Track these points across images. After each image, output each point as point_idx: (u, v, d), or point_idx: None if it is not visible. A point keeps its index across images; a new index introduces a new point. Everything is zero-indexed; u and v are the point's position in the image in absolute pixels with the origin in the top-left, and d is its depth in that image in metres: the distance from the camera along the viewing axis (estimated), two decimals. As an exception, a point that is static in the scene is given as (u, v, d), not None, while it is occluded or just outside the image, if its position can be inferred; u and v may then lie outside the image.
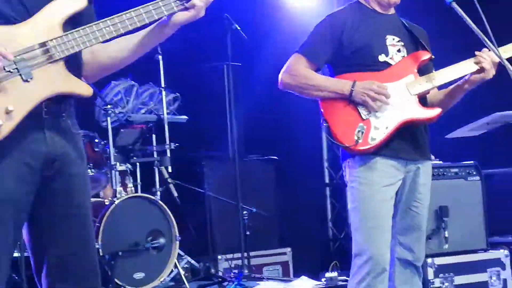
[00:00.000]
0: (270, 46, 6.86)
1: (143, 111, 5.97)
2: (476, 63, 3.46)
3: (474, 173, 5.26)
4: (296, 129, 7.48)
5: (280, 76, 3.59)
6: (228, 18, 5.62)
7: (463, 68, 3.52)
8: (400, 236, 3.57)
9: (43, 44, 2.34)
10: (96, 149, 5.25)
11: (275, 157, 6.77)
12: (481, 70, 3.45)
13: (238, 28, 5.70)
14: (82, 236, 2.49)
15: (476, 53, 3.46)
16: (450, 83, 3.60)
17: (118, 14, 2.44)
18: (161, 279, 5.04)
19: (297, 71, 3.55)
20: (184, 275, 5.20)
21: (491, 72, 3.44)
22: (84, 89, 2.43)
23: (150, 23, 2.51)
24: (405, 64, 3.57)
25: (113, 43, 2.55)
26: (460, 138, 5.10)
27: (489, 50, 3.35)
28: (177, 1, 2.48)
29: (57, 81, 2.37)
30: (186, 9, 2.49)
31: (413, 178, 3.53)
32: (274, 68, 6.46)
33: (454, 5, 3.40)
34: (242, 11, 5.91)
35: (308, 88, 3.55)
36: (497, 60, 3.36)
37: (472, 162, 5.28)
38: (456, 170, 5.19)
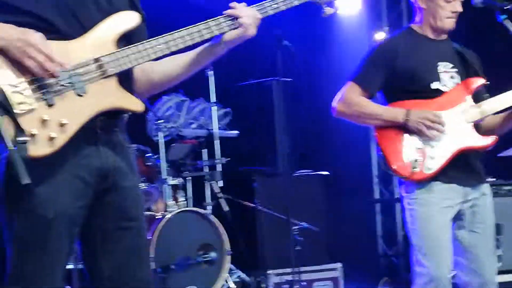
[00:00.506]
0: (319, 61, 6.87)
1: (194, 125, 6.00)
2: None
3: (533, 190, 5.24)
4: (346, 144, 7.48)
5: (335, 104, 3.59)
6: (278, 34, 5.61)
7: None
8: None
9: (97, 60, 2.35)
10: (148, 163, 5.29)
11: (326, 172, 6.74)
12: None
13: (289, 44, 5.69)
14: (135, 248, 2.49)
15: None
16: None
17: (170, 33, 2.46)
18: (212, 294, 5.04)
19: (352, 100, 3.54)
20: (236, 290, 5.18)
21: None
22: (136, 104, 2.44)
23: (202, 42, 2.52)
24: (459, 91, 3.56)
25: (164, 61, 2.57)
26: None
27: None
28: (228, 21, 2.51)
29: (110, 96, 2.38)
30: (236, 28, 2.51)
31: (472, 205, 3.53)
32: (322, 83, 6.51)
33: (508, 23, 3.38)
34: (291, 25, 5.90)
35: (362, 117, 3.55)
36: None
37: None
38: (509, 187, 5.20)
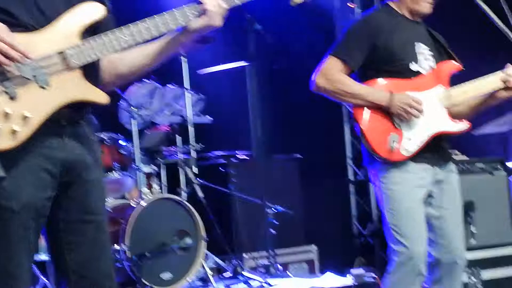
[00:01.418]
0: (291, 46, 6.82)
1: (167, 112, 5.93)
2: (504, 80, 3.47)
3: (500, 167, 5.25)
4: (318, 127, 7.47)
5: (314, 78, 3.55)
6: (250, 18, 5.56)
7: (491, 84, 3.52)
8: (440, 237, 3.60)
9: (60, 52, 2.34)
10: (121, 152, 5.24)
11: (299, 156, 6.75)
12: (509, 88, 3.47)
13: (260, 28, 5.65)
14: (98, 241, 2.50)
15: (504, 71, 3.47)
16: None
17: (135, 23, 2.44)
18: (188, 279, 5.02)
19: (334, 76, 3.51)
20: (211, 274, 5.18)
21: None
22: (101, 97, 2.43)
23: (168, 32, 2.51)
24: (436, 74, 3.58)
25: (131, 52, 2.56)
26: (483, 135, 5.04)
27: None
28: (193, 10, 2.48)
29: (73, 88, 2.37)
30: (198, 15, 2.48)
31: (441, 184, 3.56)
32: (294, 66, 6.46)
33: (480, 2, 3.37)
34: (264, 11, 5.85)
35: (344, 95, 3.52)
36: None
37: (497, 157, 5.31)
38: (481, 165, 5.17)
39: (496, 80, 3.50)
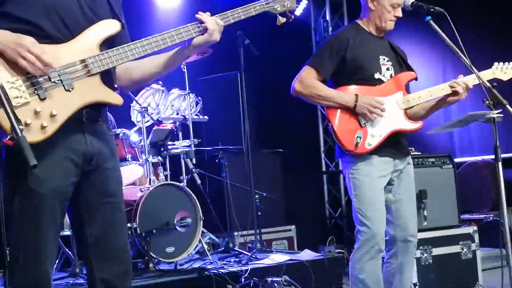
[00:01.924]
0: (273, 57, 6.81)
1: (171, 112, 5.90)
2: (452, 87, 3.47)
3: (448, 162, 5.25)
4: (297, 126, 7.51)
5: (293, 84, 3.56)
6: (241, 34, 5.54)
7: (442, 90, 3.52)
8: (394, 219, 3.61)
9: (83, 61, 2.35)
10: (133, 145, 5.22)
11: (281, 150, 6.75)
12: (455, 93, 3.47)
13: (249, 43, 5.63)
14: (115, 220, 2.49)
15: (453, 80, 3.48)
16: None
17: (146, 38, 2.46)
18: (188, 252, 5.00)
19: (309, 82, 3.51)
20: (207, 248, 5.15)
21: (463, 95, 3.47)
22: (116, 99, 2.43)
23: (174, 46, 2.51)
24: (396, 82, 3.58)
25: (144, 61, 2.56)
26: (438, 134, 5.06)
27: (464, 76, 3.43)
28: (196, 28, 2.48)
29: (93, 91, 2.37)
30: (201, 33, 2.48)
31: (400, 173, 3.59)
32: (276, 74, 6.44)
33: (432, 23, 3.38)
34: (252, 27, 5.85)
35: (317, 98, 3.52)
36: (470, 86, 3.42)
37: (446, 153, 5.31)
38: (433, 160, 5.19)
39: (446, 87, 3.50)
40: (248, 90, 5.97)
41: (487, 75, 3.52)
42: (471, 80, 3.47)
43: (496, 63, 3.58)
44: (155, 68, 2.59)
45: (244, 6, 2.57)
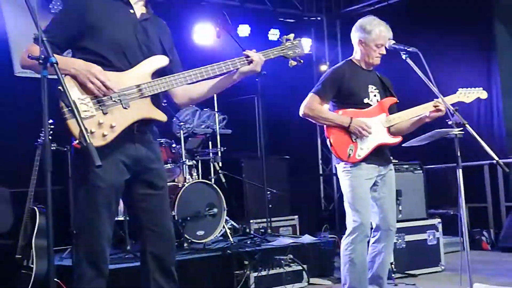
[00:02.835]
0: (284, 85, 6.77)
1: (203, 126, 5.89)
2: (435, 106, 3.40)
3: (419, 168, 5.21)
4: (301, 139, 7.48)
5: (302, 108, 3.52)
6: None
7: (422, 109, 3.46)
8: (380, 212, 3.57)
9: (138, 86, 2.35)
10: (173, 151, 5.20)
11: (288, 157, 6.71)
12: (438, 110, 3.40)
13: (265, 73, 5.59)
14: (162, 207, 2.48)
15: (435, 100, 3.41)
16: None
17: (188, 71, 2.46)
18: (214, 235, 4.97)
19: (314, 107, 3.48)
20: (229, 233, 5.11)
21: (444, 112, 3.39)
22: (161, 116, 2.43)
23: (221, 74, 2.52)
24: (381, 106, 3.54)
25: (199, 84, 2.54)
26: (411, 146, 5.00)
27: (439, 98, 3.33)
28: (241, 61, 2.49)
29: (145, 110, 2.37)
30: (248, 64, 2.49)
31: (384, 177, 3.55)
32: (285, 99, 6.42)
33: (409, 60, 3.34)
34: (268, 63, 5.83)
35: (320, 119, 3.48)
36: (449, 105, 3.32)
37: (417, 161, 5.25)
38: (407, 166, 5.15)
39: (429, 105, 3.43)
40: (263, 110, 5.98)
41: (452, 99, 3.48)
42: (449, 100, 3.44)
43: (460, 89, 3.52)
44: (210, 89, 2.58)
45: (265, 50, 2.59)
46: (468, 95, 3.52)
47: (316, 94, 3.49)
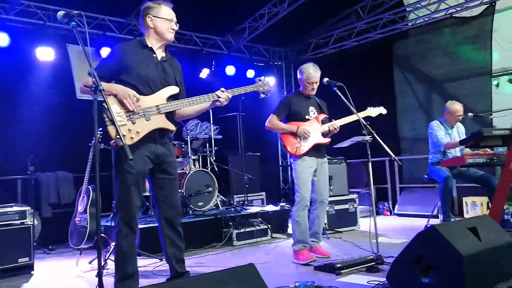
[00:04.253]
0: (257, 106, 6.73)
1: (203, 133, 5.83)
2: (366, 115, 3.40)
3: (343, 162, 5.22)
4: (267, 141, 7.41)
5: (266, 123, 3.52)
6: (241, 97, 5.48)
7: (346, 120, 3.45)
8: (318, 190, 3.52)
9: (157, 106, 2.32)
10: (183, 149, 5.14)
11: (259, 153, 6.66)
12: (335, 129, 3.40)
13: (243, 98, 5.57)
14: (173, 187, 2.44)
15: (334, 121, 3.41)
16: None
17: (189, 98, 2.42)
18: (210, 205, 4.90)
19: (274, 122, 3.48)
20: (219, 203, 5.05)
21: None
22: (172, 127, 2.39)
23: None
24: (317, 119, 3.52)
25: (189, 108, 2.50)
26: (340, 147, 5.04)
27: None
28: (213, 97, 2.46)
29: (161, 122, 2.34)
30: (217, 99, 2.47)
31: (320, 166, 3.50)
32: (260, 115, 6.39)
33: (337, 91, 3.34)
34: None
35: (278, 129, 3.47)
36: (362, 119, 3.27)
37: (342, 157, 5.27)
38: (336, 160, 5.16)
39: (361, 114, 3.40)
40: (242, 122, 5.94)
41: (363, 114, 3.48)
42: (362, 115, 3.42)
43: (369, 108, 3.54)
44: (193, 112, 2.57)
45: (243, 87, 2.58)
46: (374, 111, 3.55)
47: (275, 114, 3.50)
